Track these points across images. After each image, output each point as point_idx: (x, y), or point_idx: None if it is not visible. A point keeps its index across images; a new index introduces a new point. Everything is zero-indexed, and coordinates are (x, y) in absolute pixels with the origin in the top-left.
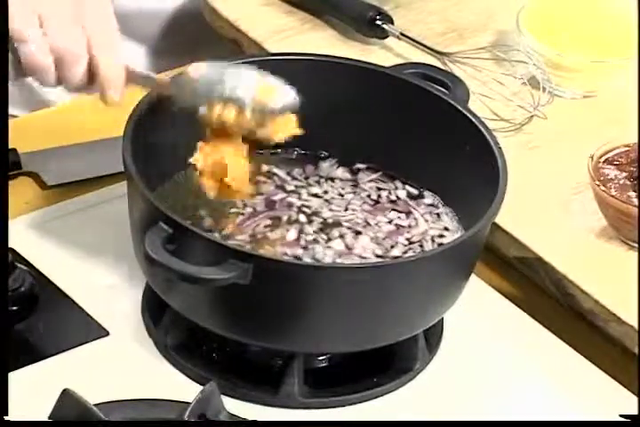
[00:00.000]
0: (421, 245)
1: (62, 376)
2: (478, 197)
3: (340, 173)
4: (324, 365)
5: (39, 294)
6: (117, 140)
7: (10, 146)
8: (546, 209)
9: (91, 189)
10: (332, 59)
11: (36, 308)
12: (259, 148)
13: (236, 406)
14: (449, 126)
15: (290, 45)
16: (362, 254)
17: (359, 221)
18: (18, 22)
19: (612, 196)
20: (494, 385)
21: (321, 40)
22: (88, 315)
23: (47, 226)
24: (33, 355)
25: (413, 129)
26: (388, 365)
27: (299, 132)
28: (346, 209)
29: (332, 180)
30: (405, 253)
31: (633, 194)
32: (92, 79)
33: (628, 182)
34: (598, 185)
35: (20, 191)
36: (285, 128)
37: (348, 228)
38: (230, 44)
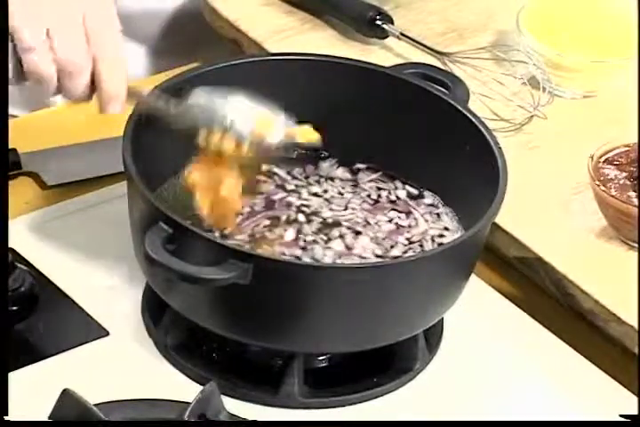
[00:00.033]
0: (421, 245)
1: (62, 376)
2: (478, 197)
3: (340, 172)
4: (324, 365)
5: (39, 294)
6: (117, 140)
7: (10, 146)
8: (546, 209)
9: (91, 189)
10: (331, 59)
11: (36, 308)
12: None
13: (235, 406)
14: (449, 126)
15: (290, 45)
16: (362, 254)
17: (359, 221)
18: (25, 31)
19: (612, 196)
20: (494, 385)
21: (321, 40)
22: (88, 315)
23: (47, 226)
24: (33, 355)
25: (413, 129)
26: (388, 365)
27: (318, 142)
28: (345, 208)
29: (332, 179)
30: (405, 252)
31: (633, 194)
32: (92, 92)
33: (628, 182)
34: (598, 185)
35: (20, 191)
36: (306, 138)
37: (348, 228)
38: (230, 44)
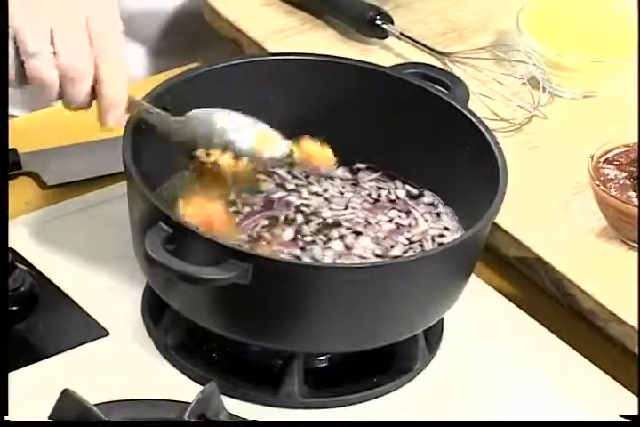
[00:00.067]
0: (421, 245)
1: (62, 376)
2: (478, 197)
3: (341, 172)
4: (324, 365)
5: (39, 294)
6: (117, 141)
7: (10, 146)
8: (546, 209)
9: (91, 189)
10: (331, 59)
11: (36, 308)
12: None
13: (236, 406)
14: (449, 126)
15: (290, 45)
16: (362, 254)
17: (359, 220)
18: (27, 34)
19: (612, 196)
20: (494, 385)
21: (321, 40)
22: (88, 315)
23: (47, 226)
24: (33, 355)
25: (413, 129)
26: (388, 365)
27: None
28: (345, 208)
29: (332, 178)
30: (406, 252)
31: (633, 194)
32: (93, 98)
33: (628, 182)
34: (598, 185)
35: (20, 191)
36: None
37: (348, 228)
38: (230, 44)
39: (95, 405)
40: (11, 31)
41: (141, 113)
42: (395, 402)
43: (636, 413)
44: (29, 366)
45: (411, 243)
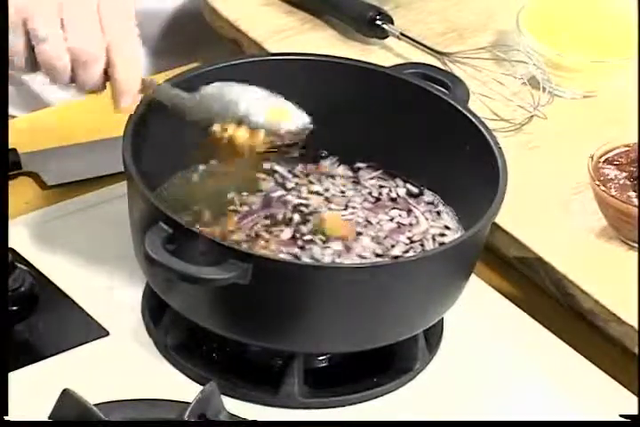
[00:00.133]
0: (422, 244)
1: (62, 376)
2: (478, 197)
3: (342, 170)
4: (324, 365)
5: (39, 294)
6: (117, 140)
7: (10, 146)
8: (546, 209)
9: (91, 189)
10: (331, 59)
11: (36, 308)
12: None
13: (236, 406)
14: (449, 126)
15: (290, 45)
16: (361, 254)
17: (360, 220)
18: (37, 21)
19: (612, 196)
20: (494, 385)
21: (321, 40)
22: (88, 315)
23: (47, 226)
24: (33, 355)
25: (413, 129)
26: (388, 365)
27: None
28: (345, 207)
29: (333, 177)
30: (407, 252)
31: (633, 194)
32: (106, 81)
33: (628, 182)
34: (598, 185)
35: (20, 191)
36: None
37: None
38: (230, 44)
39: (95, 405)
40: (20, 17)
41: (154, 93)
42: (395, 402)
43: (636, 413)
44: (29, 366)
45: (412, 242)
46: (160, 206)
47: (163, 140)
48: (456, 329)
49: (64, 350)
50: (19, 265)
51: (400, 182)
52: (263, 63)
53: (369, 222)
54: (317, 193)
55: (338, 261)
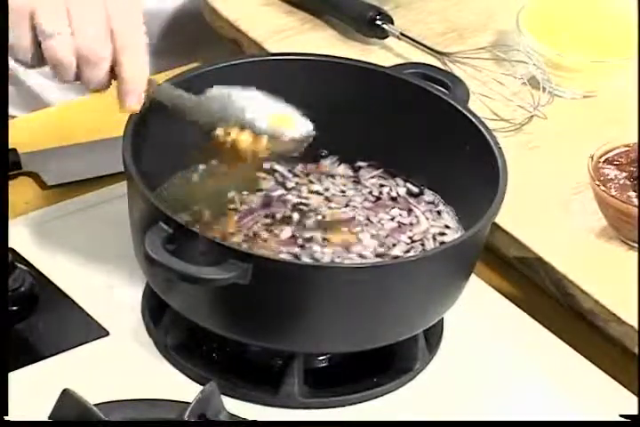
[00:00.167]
0: (423, 244)
1: (62, 376)
2: (478, 197)
3: (342, 169)
4: (324, 365)
5: (39, 294)
6: (117, 140)
7: (10, 146)
8: (546, 209)
9: (91, 189)
10: (331, 59)
11: (36, 308)
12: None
13: (236, 406)
14: (449, 126)
15: (290, 45)
16: (361, 253)
17: (360, 219)
18: (44, 15)
19: (612, 196)
20: (494, 385)
21: (321, 40)
22: (88, 315)
23: (47, 226)
24: (33, 355)
25: (413, 129)
26: (388, 365)
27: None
28: (345, 206)
29: (333, 177)
30: (408, 251)
31: (633, 194)
32: (111, 80)
33: (628, 182)
34: (598, 185)
35: (20, 191)
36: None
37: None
38: (230, 44)
39: (95, 405)
40: (27, 10)
41: (154, 93)
42: (395, 402)
43: (636, 413)
44: (29, 366)
45: (413, 242)
46: (160, 206)
47: (163, 140)
48: (456, 329)
49: (64, 350)
50: (19, 265)
51: (400, 182)
52: (263, 63)
53: (369, 221)
54: (317, 193)
55: (337, 260)
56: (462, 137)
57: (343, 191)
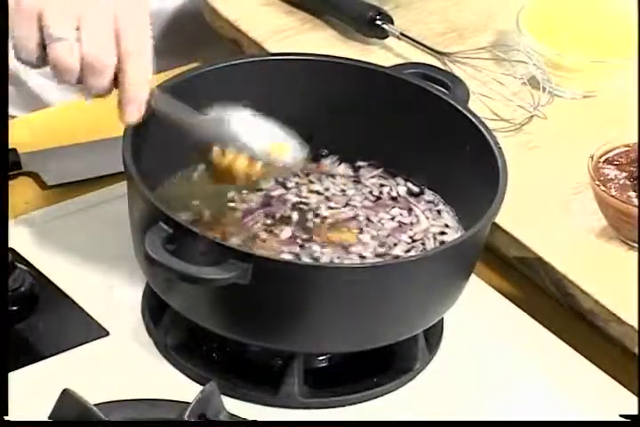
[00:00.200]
0: (423, 243)
1: (62, 376)
2: (478, 197)
3: (342, 169)
4: (324, 365)
5: (39, 294)
6: (117, 140)
7: (10, 146)
8: (546, 209)
9: (91, 189)
10: (331, 59)
11: (36, 308)
12: None
13: (236, 406)
14: (449, 126)
15: (290, 45)
16: (362, 253)
17: (360, 220)
18: (54, 17)
19: (612, 196)
20: (494, 385)
21: (321, 40)
22: (88, 315)
23: (47, 226)
24: (33, 355)
25: (413, 129)
26: (388, 365)
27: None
28: (346, 205)
29: (334, 176)
30: (408, 251)
31: (633, 194)
32: (113, 87)
33: (628, 182)
34: (598, 185)
35: (20, 191)
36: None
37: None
38: (230, 44)
39: (95, 405)
40: (35, 10)
41: (156, 104)
42: (395, 402)
43: (636, 413)
44: (29, 366)
45: (413, 241)
46: (160, 206)
47: (163, 140)
48: (456, 329)
49: (64, 350)
50: (19, 265)
51: (401, 181)
52: (263, 63)
53: (370, 221)
54: (317, 192)
55: (337, 260)
56: (462, 137)
57: (343, 191)
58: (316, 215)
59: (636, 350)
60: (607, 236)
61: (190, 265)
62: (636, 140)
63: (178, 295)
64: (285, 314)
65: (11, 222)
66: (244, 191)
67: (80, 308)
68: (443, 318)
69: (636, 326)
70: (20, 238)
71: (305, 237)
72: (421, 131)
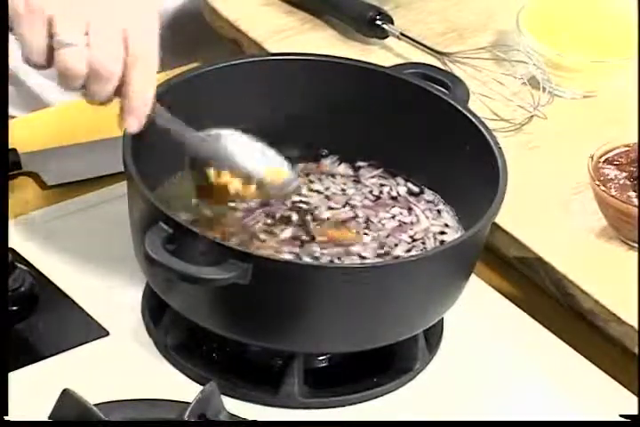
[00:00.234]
0: (424, 243)
1: (62, 376)
2: (478, 197)
3: (342, 169)
4: (324, 365)
5: (39, 294)
6: (117, 141)
7: (10, 146)
8: (546, 209)
9: (91, 189)
10: (331, 59)
11: (36, 308)
12: None
13: (236, 406)
14: (449, 126)
15: (290, 45)
16: (361, 253)
17: (360, 220)
18: (64, 22)
19: (612, 196)
20: (494, 385)
21: (321, 40)
22: (88, 315)
23: (47, 226)
24: (33, 355)
25: (413, 129)
26: (388, 365)
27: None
28: (346, 205)
29: (334, 176)
30: (409, 250)
31: (633, 194)
32: (115, 95)
33: (628, 182)
34: (598, 185)
35: (20, 191)
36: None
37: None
38: (230, 44)
39: (95, 405)
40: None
41: (157, 117)
42: (395, 402)
43: (636, 413)
44: (29, 366)
45: (414, 241)
46: (160, 206)
47: (163, 141)
48: (456, 329)
49: (64, 350)
50: (19, 265)
51: (401, 181)
52: (263, 63)
53: (370, 221)
54: (318, 192)
55: (337, 260)
56: (462, 137)
57: (343, 190)
58: (317, 215)
59: (636, 350)
60: (607, 236)
61: (190, 265)
62: (635, 140)
63: (178, 295)
64: (285, 314)
65: (11, 222)
66: None
67: (80, 308)
68: (443, 318)
69: (635, 326)
70: (20, 238)
71: (305, 237)
72: (421, 131)
